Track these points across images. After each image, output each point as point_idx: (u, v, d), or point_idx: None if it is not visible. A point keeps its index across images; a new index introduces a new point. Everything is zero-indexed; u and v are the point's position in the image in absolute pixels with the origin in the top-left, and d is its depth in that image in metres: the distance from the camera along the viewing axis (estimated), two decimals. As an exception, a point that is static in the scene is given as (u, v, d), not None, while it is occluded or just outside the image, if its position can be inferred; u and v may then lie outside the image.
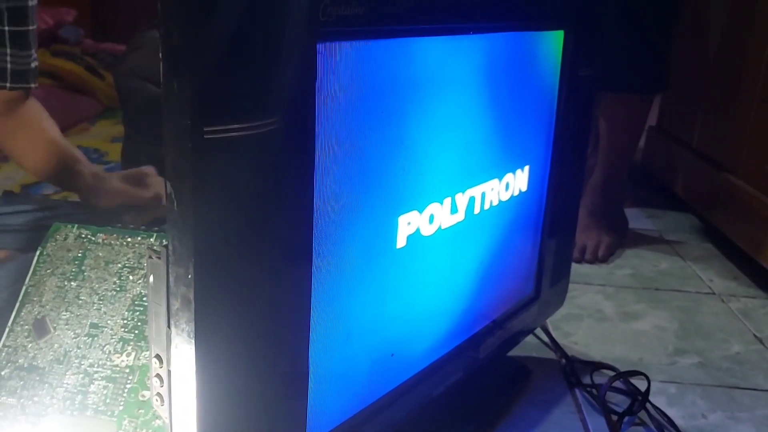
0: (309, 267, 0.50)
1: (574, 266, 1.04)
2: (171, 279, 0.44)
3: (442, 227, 0.65)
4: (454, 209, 0.66)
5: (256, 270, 0.46)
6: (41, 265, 0.71)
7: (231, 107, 0.42)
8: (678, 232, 1.56)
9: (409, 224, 0.61)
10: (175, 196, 0.41)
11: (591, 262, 1.36)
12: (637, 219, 1.60)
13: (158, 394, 0.51)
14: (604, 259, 1.37)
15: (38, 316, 0.67)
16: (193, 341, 0.43)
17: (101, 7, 2.88)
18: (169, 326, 0.47)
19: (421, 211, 0.62)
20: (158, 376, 0.50)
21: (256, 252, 0.45)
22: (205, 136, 0.40)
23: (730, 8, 1.50)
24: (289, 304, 0.49)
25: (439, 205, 0.64)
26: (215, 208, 0.42)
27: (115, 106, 2.23)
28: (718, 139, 1.51)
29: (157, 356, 0.50)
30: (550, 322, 1.06)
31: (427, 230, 0.63)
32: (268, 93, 0.43)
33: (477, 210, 0.70)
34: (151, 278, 0.49)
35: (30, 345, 0.66)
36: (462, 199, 0.67)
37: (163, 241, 0.70)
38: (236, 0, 0.41)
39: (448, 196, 0.65)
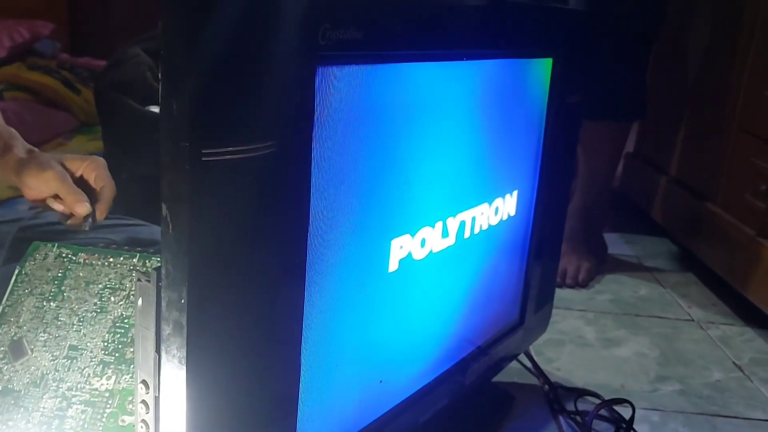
0: (302, 291, 0.49)
1: (555, 291, 1.04)
2: (163, 303, 0.43)
3: (434, 251, 0.65)
4: (445, 233, 0.66)
5: (250, 295, 0.45)
6: (19, 284, 0.69)
7: (230, 130, 0.41)
8: (656, 258, 1.57)
9: (401, 248, 0.60)
10: (170, 218, 0.40)
11: (571, 286, 1.36)
12: (615, 244, 1.61)
13: (143, 420, 0.49)
14: (584, 284, 1.38)
15: (15, 338, 0.65)
16: (185, 368, 0.42)
17: (78, 21, 2.86)
18: (157, 351, 0.46)
19: (413, 235, 0.62)
20: (144, 402, 0.49)
21: (249, 276, 0.45)
22: (203, 159, 0.40)
23: (709, 37, 1.53)
24: (281, 329, 0.48)
25: (431, 229, 0.64)
26: (211, 231, 0.41)
27: (91, 121, 2.20)
28: (696, 166, 1.53)
29: (144, 382, 0.48)
30: (532, 348, 1.06)
31: (419, 254, 0.63)
32: (267, 116, 0.43)
33: (467, 234, 0.70)
34: (140, 301, 0.48)
35: (5, 367, 0.64)
36: (453, 223, 0.67)
37: (147, 262, 0.69)
38: (237, 23, 0.40)
39: (439, 220, 0.65)
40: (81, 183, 0.78)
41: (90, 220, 0.74)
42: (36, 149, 0.82)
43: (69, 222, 0.74)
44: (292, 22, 0.43)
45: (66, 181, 0.75)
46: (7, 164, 0.81)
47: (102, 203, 0.76)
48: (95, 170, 0.78)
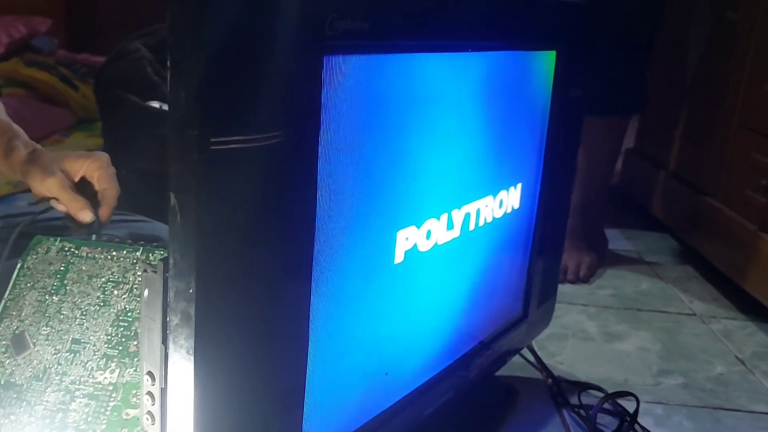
0: (309, 282, 0.49)
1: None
2: (170, 294, 0.42)
3: (439, 243, 0.65)
4: (450, 225, 0.66)
5: (258, 284, 0.45)
6: (21, 278, 0.68)
7: (238, 119, 0.41)
8: (657, 254, 1.57)
9: (407, 239, 0.60)
10: (178, 208, 0.40)
11: (573, 282, 1.36)
12: (615, 240, 1.61)
13: (149, 412, 0.49)
14: (586, 279, 1.37)
15: (17, 331, 0.65)
16: (192, 358, 0.42)
17: (76, 18, 2.85)
18: (164, 342, 0.46)
19: (419, 227, 0.61)
20: (150, 393, 0.48)
21: (257, 266, 0.44)
22: (212, 147, 0.39)
23: (709, 32, 1.52)
24: (288, 319, 0.48)
25: (436, 221, 0.64)
26: (219, 220, 0.41)
27: (89, 117, 2.19)
28: (697, 161, 1.53)
29: (149, 373, 0.48)
30: (535, 342, 1.06)
31: (424, 246, 0.63)
32: (275, 106, 0.43)
33: (472, 226, 0.70)
34: (146, 292, 0.47)
35: (8, 361, 0.64)
36: (458, 216, 0.67)
37: (150, 255, 0.68)
38: (245, 13, 0.40)
39: (444, 212, 0.65)
40: (84, 184, 0.77)
41: (94, 227, 0.73)
42: (38, 147, 0.82)
43: (73, 226, 0.74)
44: (300, 11, 0.43)
45: (67, 190, 0.74)
46: (11, 165, 0.81)
47: (105, 207, 0.75)
48: (98, 170, 0.77)
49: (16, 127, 0.84)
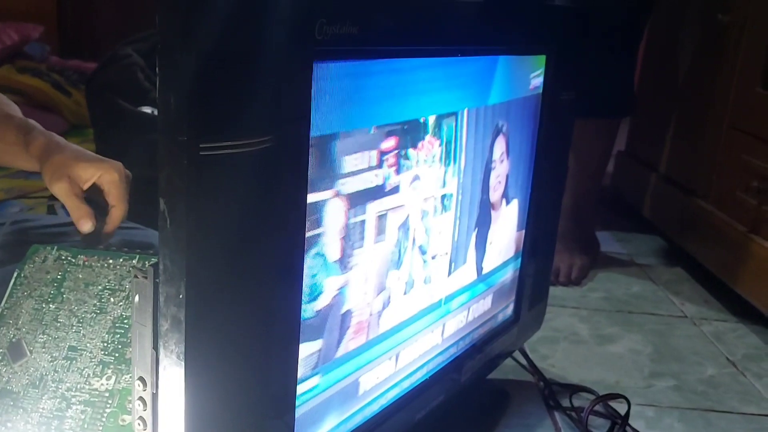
0: (300, 286, 0.49)
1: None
2: (161, 299, 0.43)
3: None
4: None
5: (248, 289, 0.45)
6: (18, 287, 0.68)
7: (227, 124, 0.41)
8: (648, 256, 1.58)
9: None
10: (168, 213, 0.40)
11: (564, 284, 1.36)
12: (607, 242, 1.61)
13: (141, 417, 0.49)
14: (577, 282, 1.38)
15: (13, 339, 0.65)
16: (183, 363, 0.42)
17: (67, 24, 2.85)
18: (155, 348, 0.46)
19: (409, 232, 0.62)
20: (141, 399, 0.49)
21: (247, 271, 0.45)
22: (201, 153, 0.40)
23: (700, 35, 1.53)
24: (279, 323, 0.48)
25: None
26: (209, 225, 0.41)
27: (81, 123, 2.19)
28: (688, 163, 1.54)
29: (141, 379, 0.48)
30: (526, 345, 1.06)
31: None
32: (265, 111, 0.43)
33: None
34: (137, 298, 0.48)
35: (4, 369, 0.63)
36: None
37: (146, 263, 0.68)
38: (235, 18, 0.40)
39: (435, 217, 0.65)
40: (94, 190, 0.75)
41: (92, 238, 0.73)
42: (55, 139, 0.79)
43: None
44: (290, 16, 0.43)
45: (72, 197, 0.73)
46: (31, 157, 0.79)
47: (109, 224, 0.75)
48: (108, 183, 0.75)
49: (32, 122, 0.83)
